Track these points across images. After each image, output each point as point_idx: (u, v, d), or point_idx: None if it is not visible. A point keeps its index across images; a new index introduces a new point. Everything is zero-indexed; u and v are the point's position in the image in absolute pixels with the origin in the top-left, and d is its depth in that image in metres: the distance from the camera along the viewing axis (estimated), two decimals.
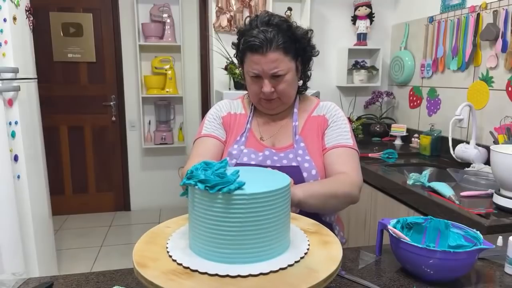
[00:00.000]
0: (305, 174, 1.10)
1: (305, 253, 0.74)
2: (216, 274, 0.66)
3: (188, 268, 0.68)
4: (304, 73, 1.21)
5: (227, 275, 0.66)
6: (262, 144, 1.18)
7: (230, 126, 1.22)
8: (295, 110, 1.21)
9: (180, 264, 0.70)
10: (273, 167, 1.08)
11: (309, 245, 0.77)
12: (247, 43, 1.08)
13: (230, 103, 1.28)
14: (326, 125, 1.18)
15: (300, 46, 1.13)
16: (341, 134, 1.15)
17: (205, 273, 0.67)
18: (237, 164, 1.11)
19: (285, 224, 0.74)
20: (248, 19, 1.13)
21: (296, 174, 1.07)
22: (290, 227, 0.83)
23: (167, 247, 0.76)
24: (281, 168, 1.08)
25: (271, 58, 1.07)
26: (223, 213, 0.68)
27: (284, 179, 0.76)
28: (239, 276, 0.66)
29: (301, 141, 1.16)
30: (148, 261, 0.71)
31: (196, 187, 0.70)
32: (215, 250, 0.70)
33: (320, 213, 1.17)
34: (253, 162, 1.13)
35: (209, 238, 0.71)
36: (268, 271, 0.67)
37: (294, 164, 1.11)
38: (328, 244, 0.78)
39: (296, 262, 0.70)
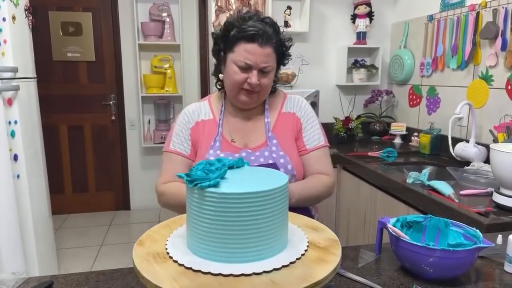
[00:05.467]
0: (282, 170, 1.14)
1: (302, 254, 0.73)
2: (190, 268, 0.68)
3: (168, 254, 0.73)
4: (275, 76, 1.24)
5: (209, 272, 0.67)
6: (235, 146, 1.20)
7: (198, 135, 1.23)
8: (266, 106, 1.25)
9: (167, 250, 0.75)
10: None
11: (308, 246, 0.76)
12: (245, 32, 1.09)
13: (198, 109, 1.26)
14: (300, 126, 1.25)
15: (281, 51, 1.18)
16: (315, 133, 1.25)
17: (176, 261, 0.71)
18: None
19: (279, 224, 0.74)
20: (237, 13, 1.16)
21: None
22: (290, 226, 0.83)
23: (169, 236, 0.81)
24: (259, 167, 1.10)
25: (267, 52, 1.11)
26: (214, 211, 0.69)
27: (281, 180, 0.76)
28: (220, 274, 0.66)
29: (274, 138, 1.20)
30: (148, 242, 0.78)
31: (185, 179, 0.73)
32: (207, 247, 0.71)
33: None
34: None
35: (199, 235, 0.72)
36: (250, 272, 0.67)
37: (270, 161, 1.16)
38: (325, 247, 0.78)
39: (284, 266, 0.70)
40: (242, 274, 0.66)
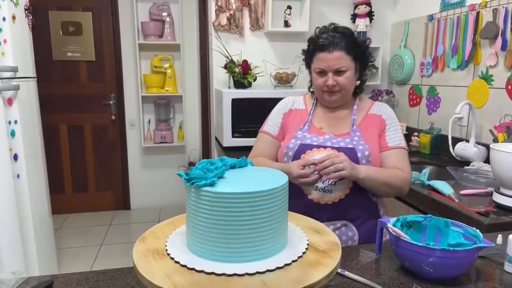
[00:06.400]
0: (359, 154, 1.27)
1: (299, 257, 0.73)
2: (185, 266, 0.69)
3: (166, 251, 0.74)
4: (361, 76, 1.39)
5: (202, 271, 0.67)
6: (321, 131, 1.36)
7: (290, 120, 1.42)
8: (355, 107, 1.39)
9: (166, 247, 0.76)
10: (332, 148, 1.28)
11: (306, 249, 0.76)
12: (317, 44, 1.31)
13: (293, 100, 1.47)
14: (384, 126, 1.36)
15: (359, 51, 1.33)
16: (397, 135, 1.36)
17: (172, 258, 0.71)
18: (301, 145, 1.31)
19: (276, 225, 0.73)
20: (317, 29, 1.37)
21: (351, 154, 1.25)
22: (291, 227, 0.83)
23: (171, 233, 0.82)
24: (339, 149, 1.27)
25: (336, 56, 1.27)
26: (209, 210, 0.70)
27: (280, 181, 0.75)
28: (213, 273, 0.66)
29: (357, 131, 1.33)
30: (150, 238, 0.79)
31: (183, 178, 0.73)
32: (203, 246, 0.72)
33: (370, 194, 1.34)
34: (315, 143, 1.30)
35: (196, 233, 0.73)
36: (243, 272, 0.67)
37: (350, 146, 1.29)
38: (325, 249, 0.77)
39: (278, 267, 0.69)
40: (235, 274, 0.66)
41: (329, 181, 1.24)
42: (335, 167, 1.14)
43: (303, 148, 1.29)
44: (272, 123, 1.44)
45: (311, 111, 1.40)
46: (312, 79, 1.39)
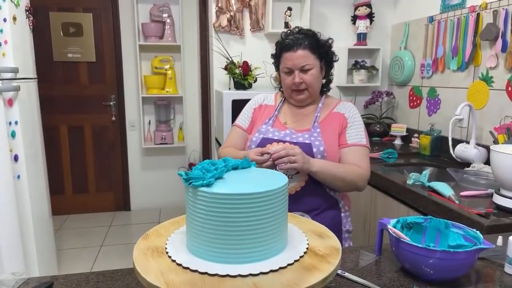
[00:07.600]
0: (314, 150, 1.33)
1: (295, 260, 0.72)
2: (181, 265, 0.69)
3: (166, 249, 0.75)
4: (327, 75, 1.47)
5: (196, 270, 0.68)
6: (284, 126, 1.44)
7: (259, 114, 1.52)
8: (320, 105, 1.45)
9: (166, 245, 0.77)
10: (291, 142, 1.34)
11: (305, 253, 0.75)
12: (282, 44, 1.39)
13: (264, 96, 1.57)
14: (346, 124, 1.40)
15: (323, 50, 1.40)
16: (358, 133, 1.40)
17: (170, 257, 0.72)
18: (263, 139, 1.39)
19: (273, 227, 0.73)
20: (283, 33, 1.43)
21: (308, 149, 1.31)
22: (293, 229, 0.82)
23: (174, 232, 0.83)
24: (297, 144, 1.32)
25: (300, 54, 1.35)
26: (205, 210, 0.70)
27: (279, 183, 0.75)
28: (206, 273, 0.67)
29: (318, 127, 1.39)
30: (153, 236, 0.80)
31: (182, 178, 0.74)
32: (200, 246, 0.72)
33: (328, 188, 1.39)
34: (276, 138, 1.38)
35: (194, 233, 0.73)
36: (236, 274, 0.67)
37: (307, 141, 1.35)
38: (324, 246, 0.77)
39: (272, 270, 0.69)
40: (228, 275, 0.66)
41: (285, 174, 1.28)
42: (288, 159, 1.20)
43: (264, 142, 1.37)
44: (243, 117, 1.54)
45: (278, 107, 1.49)
46: (281, 80, 1.45)
